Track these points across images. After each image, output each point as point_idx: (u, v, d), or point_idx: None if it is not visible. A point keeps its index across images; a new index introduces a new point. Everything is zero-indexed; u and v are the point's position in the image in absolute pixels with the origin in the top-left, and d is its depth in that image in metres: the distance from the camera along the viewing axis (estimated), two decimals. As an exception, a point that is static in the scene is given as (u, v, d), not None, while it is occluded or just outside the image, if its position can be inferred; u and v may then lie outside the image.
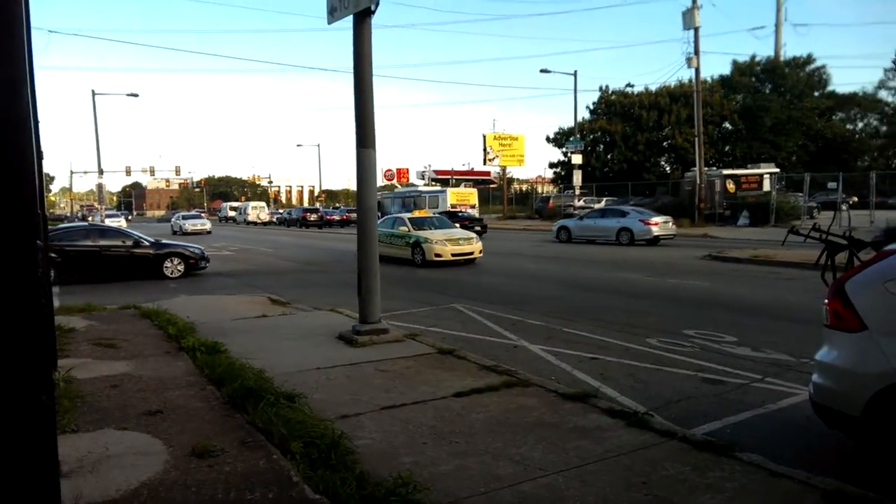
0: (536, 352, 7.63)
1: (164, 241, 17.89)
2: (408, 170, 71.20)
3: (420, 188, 50.45)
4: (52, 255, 14.43)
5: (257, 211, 63.81)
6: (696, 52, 33.88)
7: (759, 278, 14.26)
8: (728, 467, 4.11)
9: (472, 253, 18.08)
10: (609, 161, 53.93)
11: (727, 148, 52.41)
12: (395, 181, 67.17)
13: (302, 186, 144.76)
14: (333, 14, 8.07)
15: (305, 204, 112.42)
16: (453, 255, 17.67)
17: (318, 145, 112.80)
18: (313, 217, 52.93)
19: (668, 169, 54.54)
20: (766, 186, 36.01)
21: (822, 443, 4.84)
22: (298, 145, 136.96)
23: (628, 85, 56.26)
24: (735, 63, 53.81)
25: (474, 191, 46.05)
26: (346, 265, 17.63)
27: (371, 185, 8.03)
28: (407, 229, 18.76)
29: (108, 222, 43.96)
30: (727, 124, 51.92)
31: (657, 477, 3.98)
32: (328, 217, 53.57)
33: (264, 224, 60.25)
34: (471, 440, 4.59)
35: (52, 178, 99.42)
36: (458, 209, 39.16)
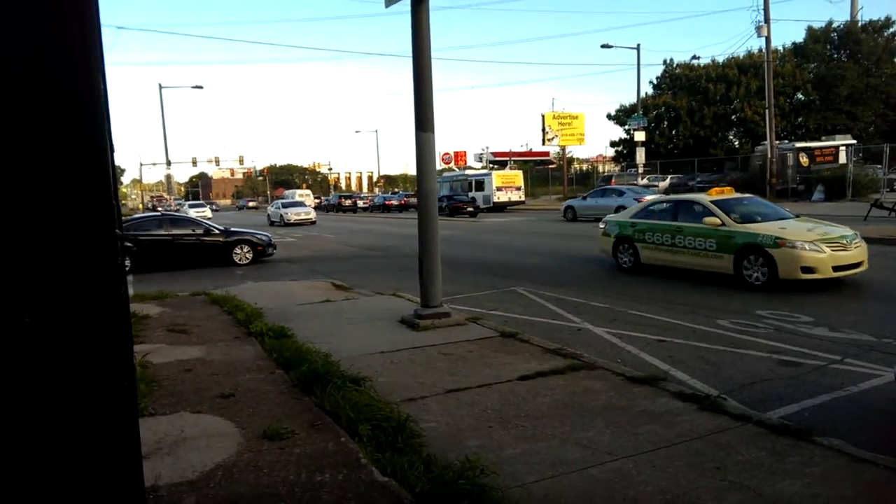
0: (601, 334, 7.49)
1: (232, 228, 18.46)
2: (465, 153, 71.01)
3: (466, 172, 50.54)
4: (128, 244, 15.16)
5: (304, 198, 66.86)
6: (767, 19, 32.20)
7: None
8: (807, 452, 3.93)
9: (860, 263, 10.13)
10: (674, 137, 52.17)
11: (800, 120, 49.77)
12: (452, 164, 67.12)
13: (361, 172, 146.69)
14: (389, -2, 8.03)
15: (364, 190, 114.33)
16: (836, 267, 9.73)
17: (376, 131, 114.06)
18: (347, 202, 59.29)
19: (736, 144, 52.29)
20: (843, 159, 34.06)
21: (912, 429, 4.55)
22: (357, 132, 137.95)
23: (694, 57, 54.33)
24: (809, 30, 50.88)
25: (520, 173, 45.65)
26: (405, 250, 17.78)
27: (431, 169, 8.01)
28: (718, 221, 10.73)
29: (193, 213, 44.54)
30: (800, 95, 49.24)
31: (732, 462, 3.83)
32: (387, 202, 54.84)
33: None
34: (537, 424, 4.54)
35: (123, 171, 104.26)
36: (503, 190, 40.39)
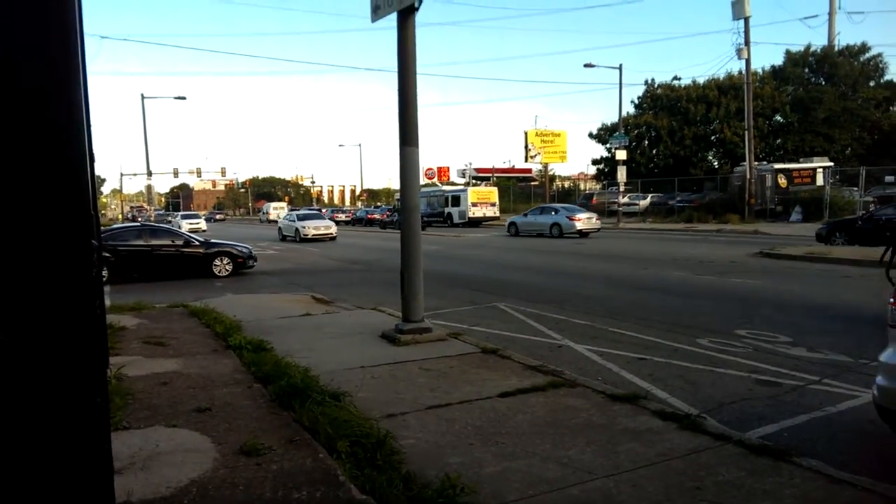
0: (582, 352, 7.49)
1: (212, 240, 18.27)
2: (448, 168, 71.21)
3: (443, 188, 51.71)
4: (106, 254, 14.94)
5: (277, 211, 69.38)
6: (747, 42, 32.93)
7: (815, 276, 13.74)
8: (786, 473, 3.94)
9: None
10: (654, 156, 52.85)
11: (778, 141, 50.71)
12: (435, 179, 67.29)
13: (344, 186, 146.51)
14: (377, 12, 8.07)
15: (347, 203, 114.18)
16: None
17: (360, 145, 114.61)
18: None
19: (716, 164, 53.11)
20: (820, 181, 34.76)
21: (886, 448, 4.60)
22: (340, 145, 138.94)
23: (675, 78, 55.01)
24: (788, 53, 52.01)
25: (494, 189, 47.12)
26: (388, 264, 17.72)
27: (414, 184, 8.01)
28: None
29: (186, 225, 43.40)
30: (778, 117, 50.22)
31: (712, 482, 3.83)
32: (370, 216, 55.08)
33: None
34: (518, 441, 4.52)
35: (104, 181, 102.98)
36: (478, 206, 41.60)
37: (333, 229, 32.47)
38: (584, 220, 29.45)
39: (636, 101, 56.46)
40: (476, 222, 42.26)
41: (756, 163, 34.77)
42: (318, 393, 5.16)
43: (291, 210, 49.32)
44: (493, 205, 43.11)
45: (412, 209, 7.95)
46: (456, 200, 43.90)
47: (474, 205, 42.32)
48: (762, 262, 16.77)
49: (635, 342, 7.88)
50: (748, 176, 33.34)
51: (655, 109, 53.85)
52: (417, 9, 7.55)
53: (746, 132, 33.87)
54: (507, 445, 4.45)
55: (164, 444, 4.43)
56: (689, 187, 45.80)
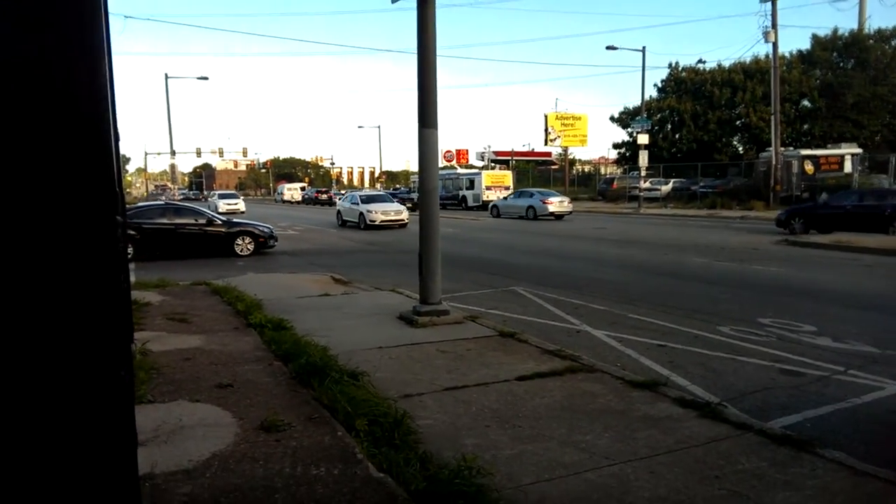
0: (600, 337, 7.46)
1: (234, 219, 18.40)
2: (467, 151, 71.10)
3: (459, 171, 51.89)
4: (131, 231, 15.15)
5: (291, 192, 71.02)
6: (774, 25, 32.14)
7: (841, 265, 13.50)
8: (808, 463, 3.89)
9: None
10: (677, 141, 52.09)
11: (805, 127, 49.68)
12: (454, 162, 67.15)
13: (363, 168, 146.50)
14: (398, -8, 7.99)
15: (366, 185, 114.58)
16: None
17: (379, 127, 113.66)
18: (324, 197, 62.48)
19: (740, 149, 52.21)
20: (848, 168, 34.01)
21: (912, 442, 4.53)
22: (360, 127, 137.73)
23: (700, 61, 54.26)
24: (815, 37, 50.72)
25: (509, 173, 47.35)
26: (406, 246, 17.74)
27: (433, 166, 7.98)
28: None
29: (224, 205, 41.18)
30: (806, 102, 49.16)
31: (731, 471, 3.80)
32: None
33: (297, 203, 66.06)
34: (535, 425, 4.52)
35: (129, 160, 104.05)
36: (492, 189, 41.51)
37: (405, 214, 26.86)
38: (557, 203, 31.46)
39: (659, 85, 55.59)
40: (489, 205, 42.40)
41: (782, 148, 34.08)
42: (337, 372, 5.20)
43: (352, 191, 44.05)
44: (507, 188, 43.04)
45: (431, 191, 7.93)
46: (471, 184, 44.10)
47: (489, 188, 42.42)
48: (787, 250, 16.52)
49: (655, 328, 7.82)
50: (774, 162, 32.73)
51: (679, 93, 52.98)
52: (441, -12, 7.46)
53: (772, 117, 33.20)
54: (523, 429, 4.46)
55: (186, 418, 4.50)
56: (712, 173, 45.09)
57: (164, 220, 16.63)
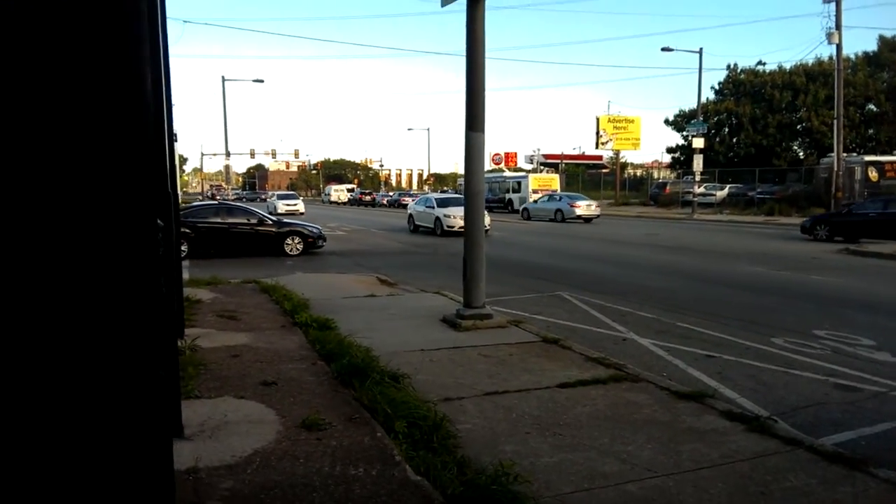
0: (647, 346, 7.30)
1: (285, 219, 18.82)
2: (516, 154, 70.73)
3: (505, 174, 51.88)
4: (186, 230, 15.67)
5: (338, 193, 73.88)
6: (838, 26, 30.87)
7: (905, 277, 12.85)
8: (861, 483, 3.72)
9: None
10: (734, 145, 50.68)
11: (871, 132, 47.57)
12: (502, 165, 66.90)
13: (411, 170, 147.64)
14: (447, -4, 8.02)
15: (414, 187, 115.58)
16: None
17: (428, 129, 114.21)
18: (367, 198, 67.18)
19: (801, 154, 50.41)
20: (916, 175, 32.38)
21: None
22: (409, 129, 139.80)
23: (759, 63, 52.41)
24: (882, 38, 48.49)
25: (556, 177, 47.08)
26: (451, 248, 17.77)
27: (479, 170, 7.97)
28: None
29: (283, 206, 39.94)
30: (871, 106, 47.06)
31: (778, 488, 3.67)
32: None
33: (343, 203, 68.93)
34: (576, 434, 4.46)
35: (186, 160, 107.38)
36: (539, 192, 40.89)
37: (488, 219, 20.93)
38: (584, 206, 32.30)
39: (716, 87, 54.22)
40: None
41: (845, 154, 32.70)
42: (378, 373, 5.25)
43: (425, 194, 41.36)
44: (553, 191, 42.63)
45: (476, 195, 7.92)
46: (517, 187, 43.96)
47: (535, 191, 42.15)
48: (847, 260, 15.85)
49: (705, 338, 7.61)
50: (835, 168, 31.40)
51: (737, 96, 51.53)
52: (489, -8, 7.45)
53: (835, 121, 31.85)
54: (564, 437, 4.40)
55: (231, 414, 4.61)
56: (770, 178, 43.63)
57: (218, 220, 17.13)
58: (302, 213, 39.24)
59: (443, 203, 24.80)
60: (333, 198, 71.61)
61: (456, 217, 22.36)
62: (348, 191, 74.82)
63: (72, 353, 1.08)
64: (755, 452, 4.14)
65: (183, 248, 15.59)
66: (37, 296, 1.03)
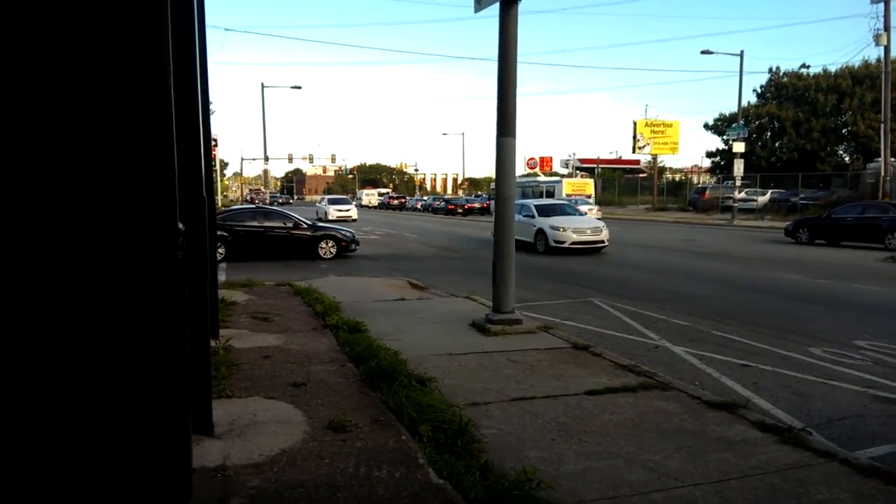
0: (680, 354, 7.19)
1: (319, 223, 19.11)
2: (551, 158, 70.31)
3: (539, 179, 51.24)
4: (224, 234, 16.05)
5: (369, 197, 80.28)
6: (886, 27, 29.94)
7: (955, 286, 12.36)
8: (899, 500, 3.60)
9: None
10: (777, 150, 49.46)
11: (920, 136, 45.89)
12: (537, 170, 66.59)
13: (446, 174, 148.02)
14: (480, 2, 8.05)
15: (449, 191, 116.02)
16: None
17: (463, 134, 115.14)
18: (395, 202, 71.25)
19: (846, 159, 48.92)
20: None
21: None
22: (444, 134, 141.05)
23: (803, 66, 51.06)
24: (935, 38, 46.77)
25: (590, 181, 46.42)
26: (482, 253, 17.74)
27: (510, 174, 7.97)
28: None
29: (335, 212, 38.14)
30: (922, 108, 45.43)
31: (809, 501, 3.57)
32: (468, 205, 55.79)
33: (373, 207, 74.05)
34: (602, 441, 4.42)
35: (227, 164, 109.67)
36: (573, 197, 39.59)
37: (605, 233, 19.22)
38: (585, 210, 30.68)
39: (758, 91, 53.03)
40: None
41: (893, 159, 31.61)
42: (406, 376, 5.29)
43: (523, 201, 31.04)
44: (588, 197, 42.12)
45: (506, 200, 7.92)
46: (551, 192, 43.50)
47: (569, 196, 41.67)
48: (891, 268, 15.32)
49: (740, 347, 7.46)
50: (882, 173, 30.42)
51: (780, 99, 50.32)
52: (520, -2, 7.46)
53: (882, 125, 30.88)
54: (589, 444, 4.37)
55: (261, 414, 4.70)
56: (814, 184, 42.43)
57: (255, 223, 17.49)
58: (354, 220, 37.17)
59: (545, 212, 20.17)
60: (365, 202, 76.24)
61: (567, 230, 18.72)
62: (379, 195, 79.35)
63: (83, 349, 1.13)
64: (786, 464, 4.04)
65: (220, 250, 15.98)
66: (51, 289, 1.08)
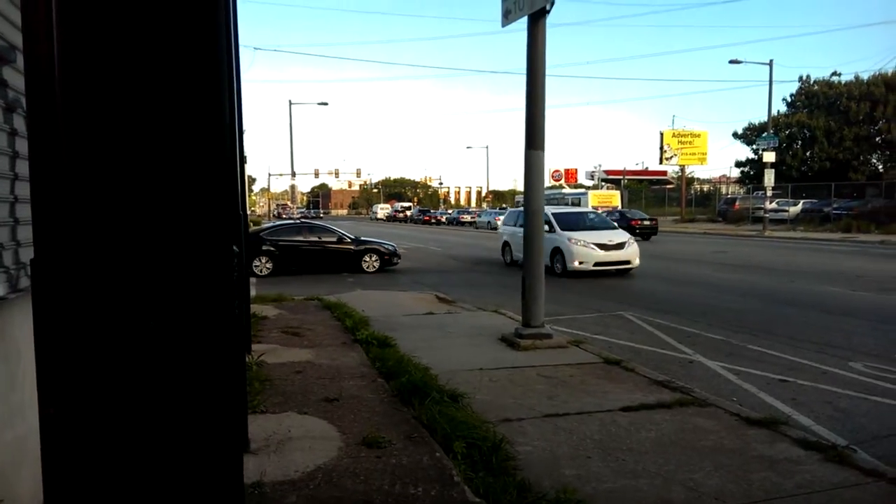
0: (715, 369, 7.05)
1: (362, 237, 19.29)
2: (576, 170, 69.93)
3: (564, 190, 51.26)
4: (271, 248, 16.61)
5: (384, 211, 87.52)
6: (921, 32, 29.29)
7: None
8: (954, 523, 3.47)
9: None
10: (808, 159, 48.57)
11: (958, 143, 44.72)
12: (562, 181, 66.31)
13: (470, 187, 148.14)
14: (508, 16, 8.09)
15: (473, 204, 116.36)
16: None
17: (487, 147, 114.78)
18: (401, 215, 76.24)
19: (880, 168, 47.82)
20: None
21: None
22: (468, 147, 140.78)
23: (834, 74, 50.19)
24: (972, 43, 45.71)
25: (616, 193, 46.31)
26: (512, 267, 17.68)
27: (539, 188, 7.95)
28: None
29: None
30: (958, 115, 44.29)
31: (860, 524, 3.46)
32: (496, 218, 56.17)
33: (386, 220, 79.65)
34: (639, 459, 4.34)
35: (254, 180, 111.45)
36: (599, 209, 39.15)
37: (632, 249, 16.24)
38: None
39: (788, 100, 52.24)
40: None
41: (931, 167, 30.85)
42: (437, 392, 5.27)
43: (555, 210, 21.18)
44: (614, 208, 41.90)
45: (535, 213, 7.89)
46: (576, 203, 43.33)
47: (595, 208, 41.46)
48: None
49: (777, 362, 7.29)
50: (920, 182, 29.64)
51: (811, 108, 49.47)
52: (549, 11, 7.48)
53: (920, 132, 30.13)
54: (627, 462, 4.29)
55: (295, 429, 4.72)
56: (847, 193, 41.52)
57: (300, 238, 17.82)
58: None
59: (567, 224, 16.78)
60: (380, 215, 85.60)
61: (593, 251, 15.66)
62: (392, 209, 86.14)
63: (160, 370, 1.15)
64: (832, 483, 3.92)
65: (268, 265, 16.96)
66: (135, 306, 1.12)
